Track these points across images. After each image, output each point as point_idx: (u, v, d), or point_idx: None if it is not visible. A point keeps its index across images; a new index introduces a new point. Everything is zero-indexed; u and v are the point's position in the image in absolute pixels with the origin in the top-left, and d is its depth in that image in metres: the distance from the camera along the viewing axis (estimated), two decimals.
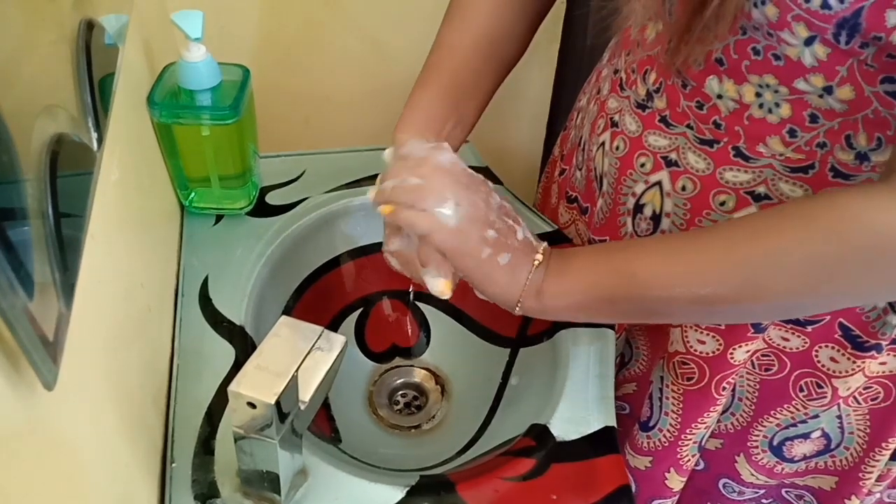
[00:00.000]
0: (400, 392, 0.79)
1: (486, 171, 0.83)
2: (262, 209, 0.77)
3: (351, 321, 0.81)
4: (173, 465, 0.55)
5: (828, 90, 0.47)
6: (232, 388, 0.44)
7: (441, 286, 0.56)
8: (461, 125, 0.64)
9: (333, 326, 0.79)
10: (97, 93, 0.46)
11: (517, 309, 0.56)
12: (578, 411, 0.62)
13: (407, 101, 0.64)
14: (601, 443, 0.60)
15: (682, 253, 0.50)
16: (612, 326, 0.68)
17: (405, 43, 0.97)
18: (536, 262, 0.55)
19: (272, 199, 0.79)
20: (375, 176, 0.81)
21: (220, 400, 0.60)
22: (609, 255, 0.54)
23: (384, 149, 0.86)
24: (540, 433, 0.60)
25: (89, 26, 0.47)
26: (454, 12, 0.65)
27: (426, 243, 0.54)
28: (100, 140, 0.45)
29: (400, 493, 0.55)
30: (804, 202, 0.48)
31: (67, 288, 0.36)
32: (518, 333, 0.76)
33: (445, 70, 0.63)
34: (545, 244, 0.57)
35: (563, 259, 0.55)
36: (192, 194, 0.76)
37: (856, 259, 0.44)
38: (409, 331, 0.83)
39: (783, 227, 0.47)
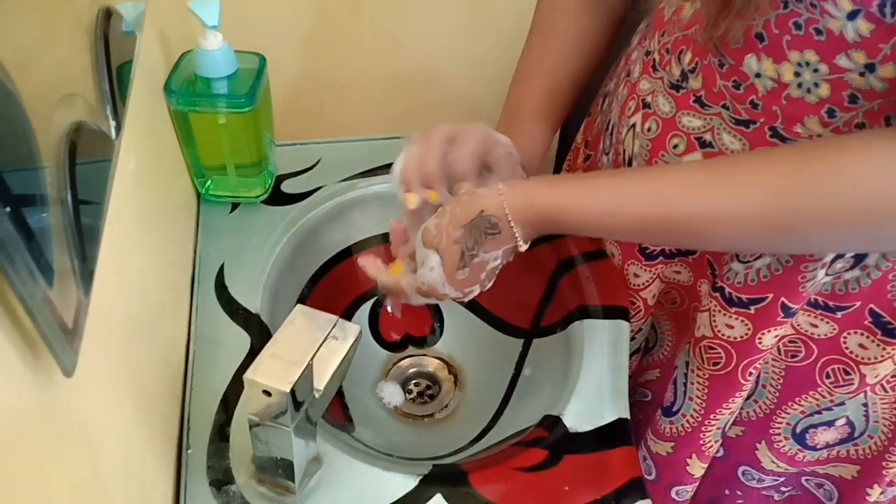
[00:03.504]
0: (413, 381, 0.80)
1: None
2: (277, 197, 0.78)
3: (365, 310, 0.81)
4: (189, 451, 0.56)
5: (870, 67, 0.46)
6: (248, 375, 0.45)
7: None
8: (553, 126, 0.66)
9: (348, 315, 0.80)
10: (115, 81, 0.46)
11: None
12: (592, 403, 0.62)
13: (507, 100, 0.66)
14: (614, 435, 0.60)
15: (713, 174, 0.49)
16: (627, 318, 0.67)
17: (419, 32, 0.96)
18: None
19: (287, 187, 0.79)
20: (390, 165, 0.82)
21: (236, 387, 0.60)
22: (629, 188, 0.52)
23: (399, 137, 0.86)
24: (553, 424, 0.60)
25: (107, 15, 0.47)
26: (535, 38, 0.67)
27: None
28: (118, 129, 0.45)
29: (413, 482, 0.56)
30: (834, 141, 0.47)
31: (86, 276, 0.37)
32: (532, 324, 0.76)
33: (541, 71, 0.66)
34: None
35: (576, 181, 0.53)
36: (209, 182, 0.76)
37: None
38: (423, 320, 0.83)
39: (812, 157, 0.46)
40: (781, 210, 0.46)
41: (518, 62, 0.67)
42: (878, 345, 0.57)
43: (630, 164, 0.64)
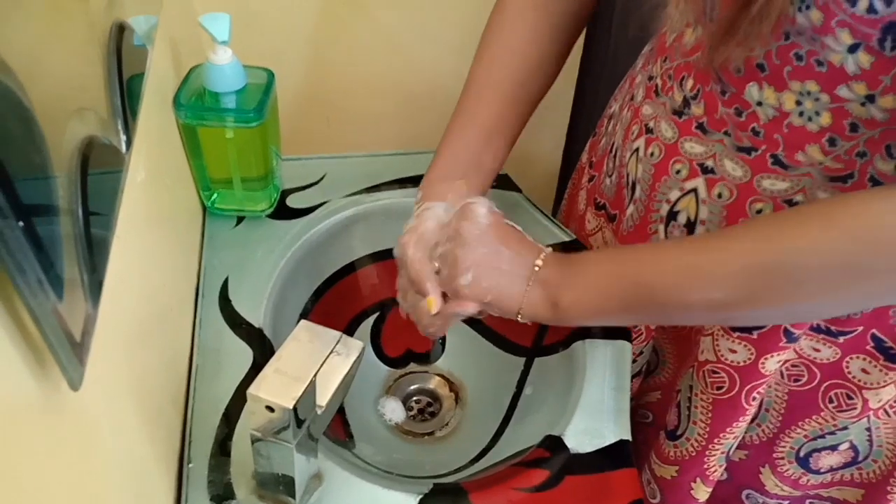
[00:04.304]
0: (414, 398, 0.80)
1: (504, 178, 0.84)
2: (282, 212, 0.78)
3: (367, 325, 0.81)
4: (190, 465, 0.56)
5: (870, 98, 0.46)
6: (251, 391, 0.45)
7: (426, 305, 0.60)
8: (489, 171, 0.66)
9: (350, 330, 0.80)
10: (126, 95, 0.47)
11: (517, 316, 0.58)
12: (593, 423, 0.61)
13: (438, 146, 0.66)
14: (616, 456, 0.60)
15: (696, 256, 0.51)
16: (629, 338, 0.67)
17: (429, 49, 0.97)
18: (537, 267, 0.57)
19: (293, 201, 0.79)
20: (396, 181, 0.82)
21: (238, 401, 0.60)
22: (622, 263, 0.55)
23: (406, 154, 0.87)
24: (554, 444, 0.60)
25: (120, 29, 0.47)
26: (481, 56, 0.67)
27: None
28: (128, 143, 0.46)
29: (413, 501, 0.55)
30: (821, 203, 0.48)
31: (95, 288, 0.37)
32: (533, 343, 0.75)
33: (475, 120, 0.65)
34: (547, 249, 0.58)
35: (574, 267, 0.56)
36: (215, 195, 0.76)
37: (872, 263, 0.44)
38: (425, 337, 0.83)
39: (799, 228, 0.47)
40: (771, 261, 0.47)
41: (468, 77, 0.67)
42: (880, 370, 0.57)
43: (634, 188, 0.64)
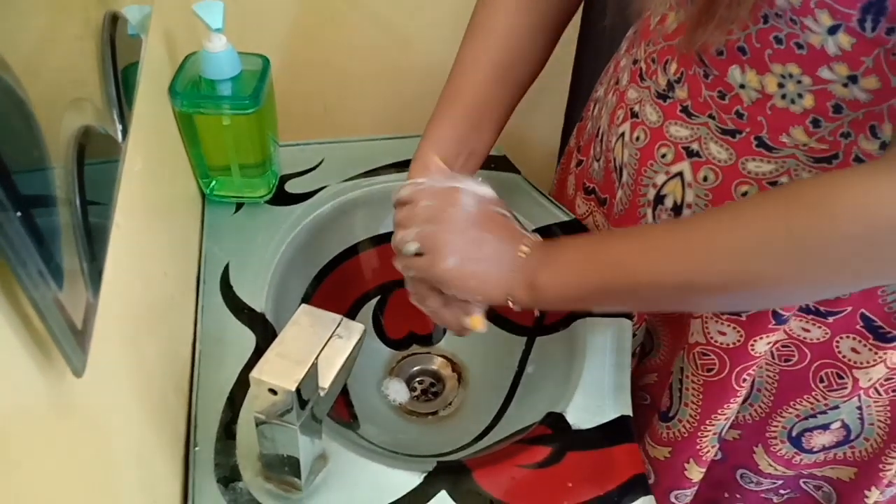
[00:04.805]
0: (417, 379, 0.80)
1: (503, 160, 0.84)
2: (281, 197, 0.78)
3: (369, 308, 0.82)
4: (196, 449, 0.57)
5: (852, 79, 0.46)
6: (254, 374, 0.45)
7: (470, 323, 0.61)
8: (476, 153, 0.65)
9: (352, 313, 0.80)
10: (121, 84, 0.47)
11: (508, 302, 0.57)
12: (594, 400, 0.62)
13: (424, 132, 0.65)
14: (617, 432, 0.60)
15: (666, 239, 0.50)
16: (629, 316, 0.68)
17: (425, 32, 0.97)
18: (522, 255, 0.56)
19: (292, 187, 0.80)
20: (394, 164, 0.83)
21: (242, 386, 0.61)
22: (598, 244, 0.55)
23: (402, 137, 0.87)
24: (556, 421, 0.61)
25: (113, 19, 0.48)
26: (470, 38, 0.66)
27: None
28: (124, 132, 0.46)
29: (417, 479, 0.56)
30: (791, 183, 0.48)
31: (95, 276, 0.37)
32: (534, 322, 0.76)
33: (460, 100, 0.65)
34: (534, 237, 0.58)
35: (553, 249, 0.56)
36: (213, 183, 0.76)
37: (847, 245, 0.42)
38: (427, 318, 0.83)
39: (766, 208, 0.45)
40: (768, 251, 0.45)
41: (455, 60, 0.66)
42: (870, 349, 0.58)
43: (621, 173, 0.65)
